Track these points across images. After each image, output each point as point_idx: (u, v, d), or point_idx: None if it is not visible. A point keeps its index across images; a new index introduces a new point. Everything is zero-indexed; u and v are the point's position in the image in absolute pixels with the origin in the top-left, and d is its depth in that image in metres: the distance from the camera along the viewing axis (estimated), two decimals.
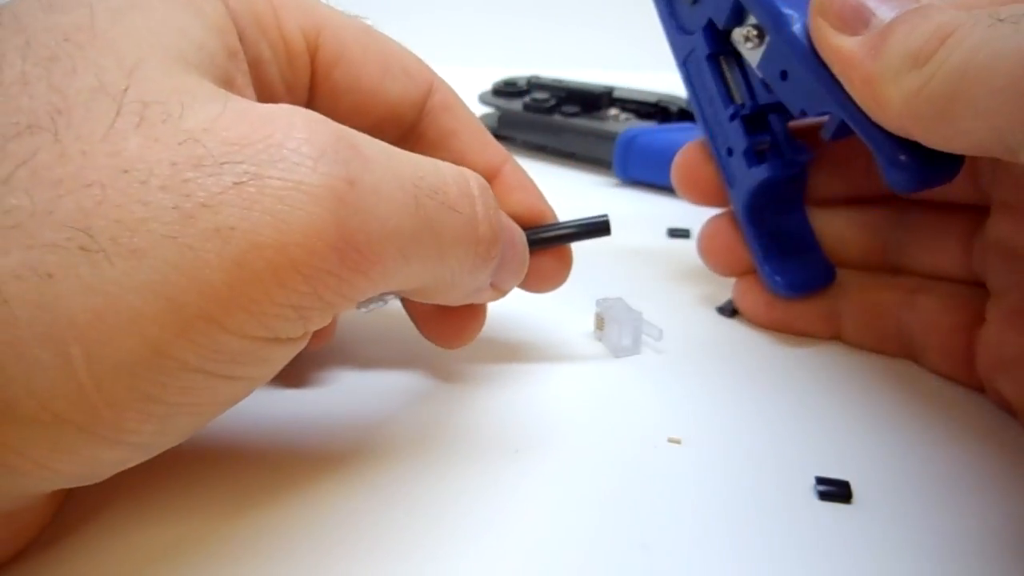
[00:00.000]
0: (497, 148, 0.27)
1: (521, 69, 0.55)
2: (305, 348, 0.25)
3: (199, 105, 0.16)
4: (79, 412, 0.15)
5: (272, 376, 0.18)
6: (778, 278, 0.28)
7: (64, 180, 0.15)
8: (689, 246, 0.39)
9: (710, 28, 0.28)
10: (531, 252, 0.25)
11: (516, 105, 0.51)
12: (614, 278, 0.34)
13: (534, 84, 0.53)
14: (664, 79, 0.55)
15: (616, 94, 0.51)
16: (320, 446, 0.23)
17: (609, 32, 0.78)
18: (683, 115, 0.50)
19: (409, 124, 0.25)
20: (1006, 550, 0.20)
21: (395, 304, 0.27)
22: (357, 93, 0.24)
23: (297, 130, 0.16)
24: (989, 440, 0.24)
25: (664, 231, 0.40)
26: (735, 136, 0.28)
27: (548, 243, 0.26)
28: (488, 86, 0.54)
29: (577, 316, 0.30)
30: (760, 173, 0.28)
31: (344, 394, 0.25)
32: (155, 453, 0.17)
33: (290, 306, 0.16)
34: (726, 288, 0.33)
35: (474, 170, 0.22)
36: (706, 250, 0.31)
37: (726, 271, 0.31)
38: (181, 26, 0.18)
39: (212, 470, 0.21)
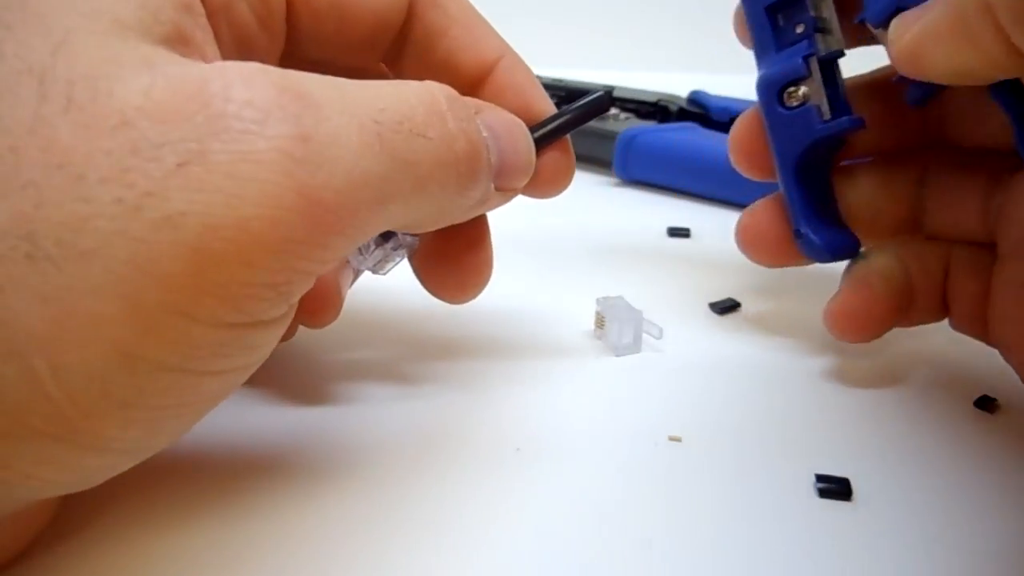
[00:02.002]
0: (491, 41, 0.24)
1: None
2: (303, 325, 0.23)
3: (128, 78, 0.15)
4: (54, 425, 0.14)
5: (262, 361, 0.18)
6: (816, 239, 0.27)
7: None
8: (689, 245, 0.39)
9: None
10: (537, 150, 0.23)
11: None
12: (614, 277, 0.34)
13: None
14: (664, 79, 0.56)
15: (616, 94, 0.51)
16: (318, 448, 0.23)
17: (609, 32, 0.78)
18: (683, 115, 0.50)
19: (398, 28, 0.23)
20: (1005, 547, 0.20)
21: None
22: (339, 9, 0.22)
23: (236, 91, 0.15)
24: (988, 437, 0.24)
25: (664, 230, 0.40)
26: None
27: (551, 137, 0.24)
28: None
29: (577, 315, 0.30)
30: (841, 125, 0.26)
31: (342, 395, 0.25)
32: (147, 456, 0.17)
33: (263, 284, 0.15)
34: (726, 286, 0.33)
35: (463, 72, 0.20)
36: (748, 241, 0.29)
37: (768, 259, 0.29)
38: None
39: (210, 475, 0.21)
